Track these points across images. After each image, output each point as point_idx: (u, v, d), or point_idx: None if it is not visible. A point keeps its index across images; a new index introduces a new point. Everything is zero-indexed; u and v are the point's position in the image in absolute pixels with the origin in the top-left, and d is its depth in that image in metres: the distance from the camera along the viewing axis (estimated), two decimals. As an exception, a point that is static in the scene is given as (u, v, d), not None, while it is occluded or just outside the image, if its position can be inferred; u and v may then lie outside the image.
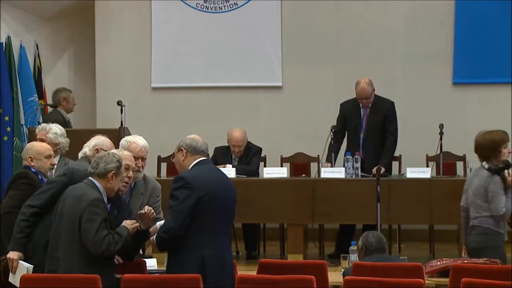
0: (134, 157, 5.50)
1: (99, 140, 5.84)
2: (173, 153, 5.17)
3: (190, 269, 4.79)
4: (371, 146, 8.40)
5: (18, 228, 5.23)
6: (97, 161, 5.02)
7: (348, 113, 8.61)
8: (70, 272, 4.79)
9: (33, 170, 5.91)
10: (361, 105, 8.52)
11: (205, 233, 4.87)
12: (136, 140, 5.62)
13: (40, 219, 5.25)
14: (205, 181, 4.91)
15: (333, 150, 8.36)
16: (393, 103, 8.61)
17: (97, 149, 5.71)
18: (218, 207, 4.93)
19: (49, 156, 6.04)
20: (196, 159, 5.03)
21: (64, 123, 8.87)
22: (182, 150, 5.05)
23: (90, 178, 5.01)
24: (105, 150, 5.59)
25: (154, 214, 5.16)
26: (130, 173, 5.24)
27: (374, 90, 8.50)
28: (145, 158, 5.63)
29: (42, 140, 6.43)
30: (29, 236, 5.23)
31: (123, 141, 5.65)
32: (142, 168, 5.59)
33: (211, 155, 8.71)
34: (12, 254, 5.21)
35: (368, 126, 8.48)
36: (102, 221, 4.85)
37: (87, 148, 5.77)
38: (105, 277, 4.80)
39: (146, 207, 5.13)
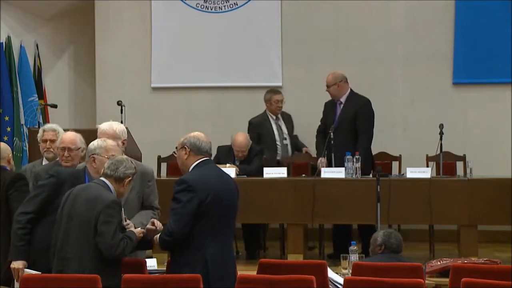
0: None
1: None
2: (176, 147, 5.17)
3: (193, 269, 4.79)
4: (340, 142, 8.38)
5: (17, 237, 5.15)
6: (116, 164, 4.99)
7: (327, 111, 8.78)
8: (82, 273, 4.74)
9: None
10: (337, 102, 8.65)
11: (208, 233, 4.88)
12: (110, 125, 5.69)
13: (37, 223, 5.18)
14: (208, 183, 4.91)
15: (322, 147, 8.44)
16: (368, 100, 8.61)
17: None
18: (220, 207, 4.94)
19: None
20: (199, 159, 5.03)
21: (262, 123, 9.20)
22: (185, 148, 5.04)
23: (102, 179, 4.98)
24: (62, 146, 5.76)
25: (162, 228, 5.17)
26: None
27: (340, 82, 8.59)
28: (125, 140, 5.67)
29: (52, 141, 6.39)
30: (29, 243, 5.16)
31: (99, 129, 5.70)
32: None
33: (213, 154, 8.75)
34: (17, 264, 5.13)
35: (339, 122, 8.53)
36: (118, 224, 4.86)
37: None
38: (114, 277, 4.81)
39: (156, 222, 5.14)
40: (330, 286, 5.43)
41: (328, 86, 8.66)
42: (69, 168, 5.45)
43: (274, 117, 9.34)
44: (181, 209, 4.84)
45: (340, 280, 5.45)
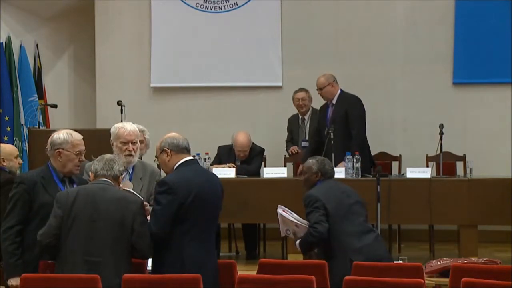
0: (124, 142, 5.55)
1: None
2: (156, 156, 5.15)
3: (170, 269, 4.79)
4: (333, 142, 8.38)
5: (8, 254, 5.03)
6: (110, 163, 4.97)
7: (321, 115, 8.73)
8: (119, 274, 4.71)
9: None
10: (329, 104, 8.60)
11: (187, 234, 4.85)
12: (124, 125, 5.68)
13: (24, 232, 5.05)
14: (189, 184, 4.87)
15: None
16: (357, 98, 8.52)
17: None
18: (202, 208, 4.90)
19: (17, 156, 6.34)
20: (182, 159, 5.00)
21: (293, 121, 9.30)
22: (166, 150, 5.01)
23: (104, 179, 4.94)
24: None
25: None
26: (82, 157, 5.19)
27: (333, 82, 8.52)
28: (136, 142, 5.63)
29: (141, 142, 6.34)
30: (21, 256, 5.03)
31: (112, 128, 5.70)
32: (134, 152, 5.59)
33: (214, 154, 8.75)
34: (14, 281, 5.00)
35: (330, 123, 8.47)
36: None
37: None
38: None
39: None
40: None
41: (321, 89, 8.53)
42: (33, 171, 5.34)
43: (301, 117, 9.28)
44: (160, 211, 4.82)
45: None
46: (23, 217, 5.05)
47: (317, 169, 6.09)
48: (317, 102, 9.04)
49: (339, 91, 8.59)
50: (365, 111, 8.54)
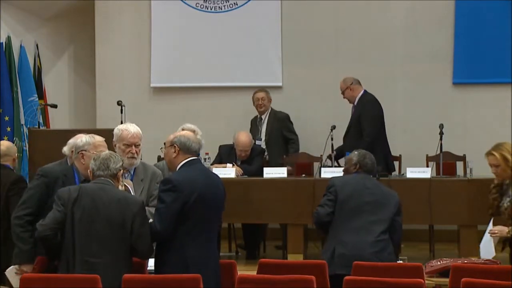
0: (127, 144, 5.55)
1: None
2: (164, 143, 5.15)
3: (173, 269, 4.79)
4: (350, 143, 8.40)
5: (23, 240, 5.08)
6: (105, 162, 4.93)
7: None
8: (119, 275, 4.70)
9: None
10: (352, 105, 8.74)
11: (189, 234, 4.85)
12: (128, 127, 5.67)
13: (34, 224, 5.03)
14: (193, 183, 4.88)
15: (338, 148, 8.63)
16: (370, 99, 8.61)
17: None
18: (204, 208, 4.90)
19: None
20: (187, 158, 5.00)
21: (253, 122, 9.46)
22: (175, 146, 5.01)
23: (107, 179, 4.92)
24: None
25: None
26: None
27: (351, 85, 8.66)
28: (139, 145, 5.63)
29: None
30: (35, 245, 5.07)
31: (115, 130, 5.70)
32: (137, 154, 5.59)
33: (215, 153, 8.76)
34: (27, 268, 5.07)
35: (350, 123, 8.61)
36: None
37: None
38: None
39: None
40: None
41: (342, 93, 8.75)
42: (56, 166, 5.36)
43: (259, 117, 9.36)
44: (165, 210, 4.82)
45: None
46: (37, 209, 5.12)
47: (356, 161, 6.12)
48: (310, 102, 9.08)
49: (361, 93, 8.68)
50: (379, 112, 8.57)
